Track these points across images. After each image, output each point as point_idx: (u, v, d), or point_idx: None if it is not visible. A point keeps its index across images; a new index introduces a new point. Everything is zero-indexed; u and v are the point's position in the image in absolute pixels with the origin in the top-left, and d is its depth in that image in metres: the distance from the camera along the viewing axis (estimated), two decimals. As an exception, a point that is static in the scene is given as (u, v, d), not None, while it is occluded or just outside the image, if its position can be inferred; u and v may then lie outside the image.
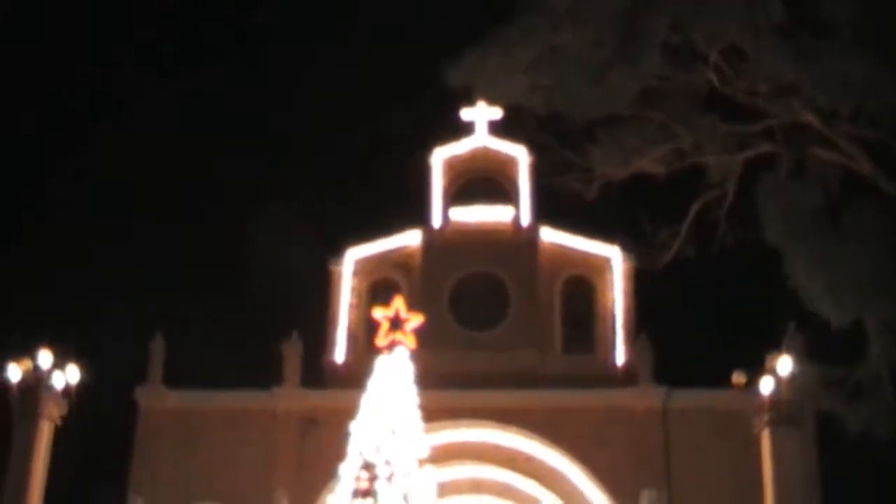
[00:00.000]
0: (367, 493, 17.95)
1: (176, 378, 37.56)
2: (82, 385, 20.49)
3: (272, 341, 38.19)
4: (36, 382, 19.82)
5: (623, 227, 34.97)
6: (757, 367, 20.39)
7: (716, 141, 16.54)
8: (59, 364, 20.04)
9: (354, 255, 41.09)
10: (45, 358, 19.89)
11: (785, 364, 19.49)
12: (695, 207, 17.38)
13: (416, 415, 18.73)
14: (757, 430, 20.21)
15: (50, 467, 20.31)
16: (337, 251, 41.11)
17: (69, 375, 20.14)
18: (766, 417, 19.66)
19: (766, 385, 19.58)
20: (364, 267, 41.07)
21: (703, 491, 33.84)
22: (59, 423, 20.33)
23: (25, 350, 20.11)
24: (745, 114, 16.59)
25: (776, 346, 21.15)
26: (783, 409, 19.40)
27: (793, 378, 19.47)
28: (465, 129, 42.02)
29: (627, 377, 37.00)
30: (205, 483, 35.70)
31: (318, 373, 38.59)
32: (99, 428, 36.32)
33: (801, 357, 19.95)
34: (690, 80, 16.46)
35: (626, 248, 39.26)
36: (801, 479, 21.34)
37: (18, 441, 19.88)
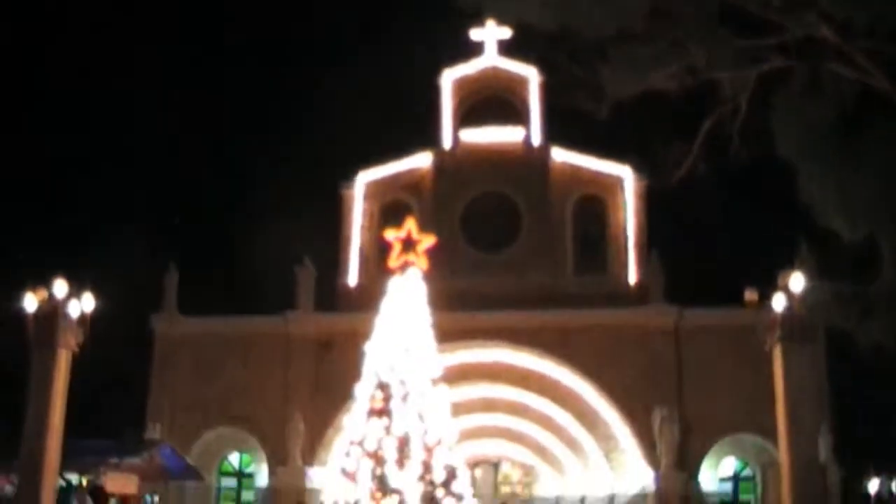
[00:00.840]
0: (382, 412, 18.08)
1: (191, 305, 37.85)
2: (98, 314, 20.60)
3: (286, 266, 38.38)
4: (52, 311, 19.91)
5: (635, 145, 34.85)
6: (769, 285, 20.34)
7: (728, 56, 16.29)
8: (74, 293, 20.14)
9: (365, 179, 41.04)
10: (60, 287, 19.97)
11: (797, 281, 19.43)
12: (707, 124, 17.20)
13: (430, 335, 18.80)
14: (768, 346, 20.22)
15: (69, 396, 20.52)
16: (348, 175, 41.06)
17: (85, 304, 20.24)
18: (777, 334, 19.65)
19: (779, 302, 19.55)
20: (375, 190, 41.04)
21: (715, 407, 34.14)
22: (76, 351, 20.47)
23: (41, 280, 20.20)
24: (758, 28, 16.30)
25: (788, 264, 21.11)
26: (795, 326, 19.38)
27: (805, 295, 19.43)
28: (475, 49, 41.61)
29: (639, 296, 37.09)
30: (221, 408, 36.19)
31: (331, 296, 38.82)
32: (116, 356, 36.70)
33: (814, 274, 19.91)
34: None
35: (637, 167, 39.13)
36: (812, 394, 21.45)
37: (37, 370, 20.04)
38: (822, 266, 20.11)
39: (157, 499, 31.47)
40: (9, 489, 23.69)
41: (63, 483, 23.77)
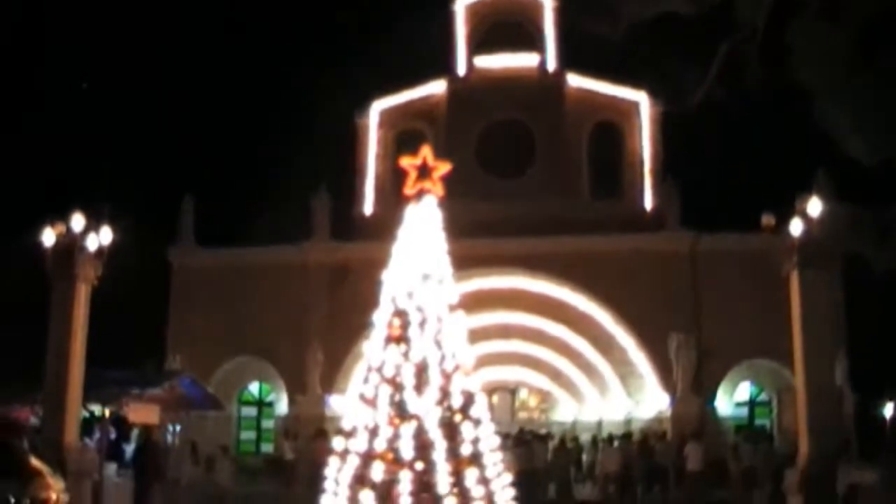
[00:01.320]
0: (399, 339, 18.17)
1: (208, 237, 38.01)
2: (116, 247, 20.70)
3: (301, 196, 38.42)
4: (70, 245, 20.02)
5: (650, 70, 34.43)
6: (786, 210, 20.22)
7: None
8: (92, 227, 20.22)
9: (380, 107, 40.89)
10: (77, 221, 20.05)
11: (815, 205, 19.32)
12: (724, 47, 16.98)
13: (446, 262, 18.82)
14: (785, 271, 20.17)
15: (89, 328, 20.70)
16: (362, 104, 40.89)
17: (102, 237, 20.33)
18: (794, 259, 19.59)
19: (796, 227, 19.46)
20: (390, 118, 40.91)
21: (731, 333, 34.23)
22: (95, 283, 20.62)
23: (58, 215, 20.29)
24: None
25: (806, 189, 20.97)
26: (812, 251, 19.32)
27: (822, 219, 19.32)
28: (489, -26, 41.08)
29: (656, 221, 37.03)
30: (240, 338, 36.50)
31: (347, 225, 38.89)
32: (135, 289, 36.97)
33: (831, 198, 19.80)
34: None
35: (653, 92, 38.80)
36: (828, 320, 21.46)
37: (57, 304, 20.22)
38: (840, 191, 20.00)
39: (178, 428, 31.88)
40: (33, 421, 24.04)
41: (86, 414, 24.09)
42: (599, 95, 39.86)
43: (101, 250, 20.46)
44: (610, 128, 39.92)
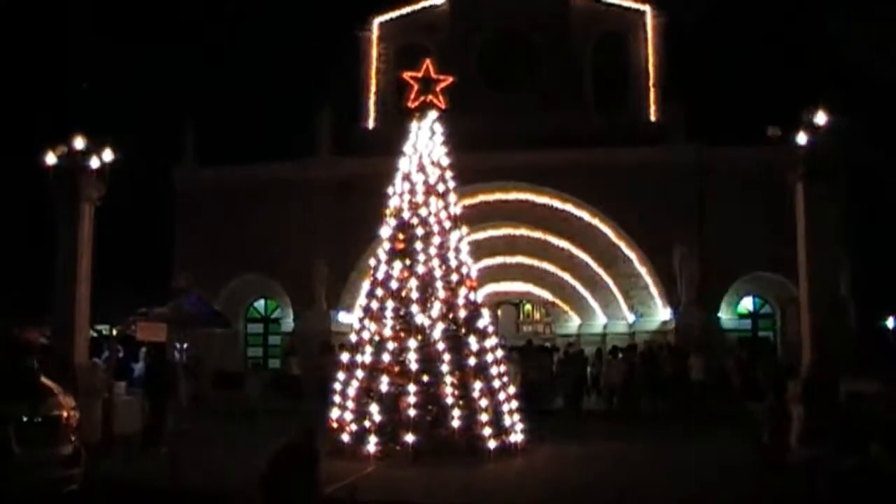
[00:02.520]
0: (404, 252, 18.24)
1: (211, 155, 37.87)
2: (119, 167, 20.64)
3: (303, 112, 38.18)
4: (72, 165, 19.96)
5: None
6: (792, 121, 20.03)
7: None
8: (93, 148, 20.14)
9: (381, 20, 40.43)
10: (79, 142, 19.97)
11: (820, 117, 19.13)
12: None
13: (450, 176, 18.78)
14: (791, 183, 20.05)
15: (96, 250, 20.76)
16: (363, 17, 40.42)
17: (104, 157, 20.26)
18: (800, 171, 19.45)
19: (801, 138, 19.29)
20: (391, 31, 40.47)
21: (735, 246, 34.18)
22: (98, 204, 20.60)
23: (60, 137, 20.20)
24: None
25: (812, 100, 20.75)
26: (818, 163, 19.17)
27: (828, 130, 19.15)
28: None
29: (660, 134, 36.78)
30: (246, 255, 36.52)
31: (350, 140, 38.70)
32: (140, 210, 37.01)
33: (837, 111, 19.59)
34: None
35: (658, 2, 38.34)
36: (833, 232, 21.38)
37: (62, 225, 20.24)
38: (846, 103, 19.80)
39: (186, 346, 32.09)
40: (43, 341, 24.23)
41: (94, 334, 24.27)
42: (603, 6, 39.32)
43: (103, 170, 20.41)
44: (614, 39, 39.47)
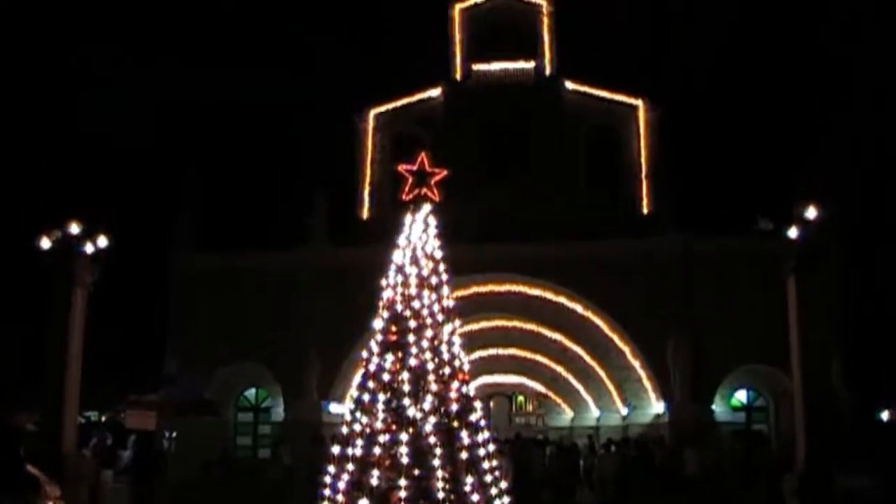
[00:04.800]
0: (396, 345, 18.15)
1: (206, 239, 37.94)
2: (114, 252, 20.71)
3: (299, 200, 38.39)
4: (66, 251, 20.03)
5: (647, 75, 34.56)
6: (783, 213, 20.22)
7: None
8: (88, 233, 20.24)
9: (377, 111, 40.93)
10: (74, 227, 20.07)
11: (811, 209, 19.34)
12: (716, 44, 17.04)
13: (444, 267, 18.80)
14: (783, 275, 20.17)
15: (87, 334, 20.70)
16: (360, 108, 40.94)
17: (99, 243, 20.34)
18: (791, 263, 19.61)
19: (793, 231, 19.47)
20: (387, 122, 40.96)
21: (728, 337, 34.16)
22: (91, 289, 20.61)
23: (55, 222, 20.31)
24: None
25: (803, 192, 20.96)
26: (809, 255, 19.33)
27: (819, 222, 19.34)
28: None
29: (652, 225, 36.98)
30: (238, 342, 36.37)
31: (345, 229, 38.84)
32: (134, 294, 36.97)
33: (827, 201, 19.79)
34: None
35: (650, 97, 38.93)
36: (825, 324, 21.45)
37: (54, 310, 20.22)
38: (835, 194, 20.02)
39: (174, 434, 31.88)
40: (30, 427, 24.02)
41: (83, 420, 24.09)
42: (595, 100, 39.90)
43: (97, 255, 20.46)
44: (606, 132, 39.97)
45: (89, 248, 20.29)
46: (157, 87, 48.84)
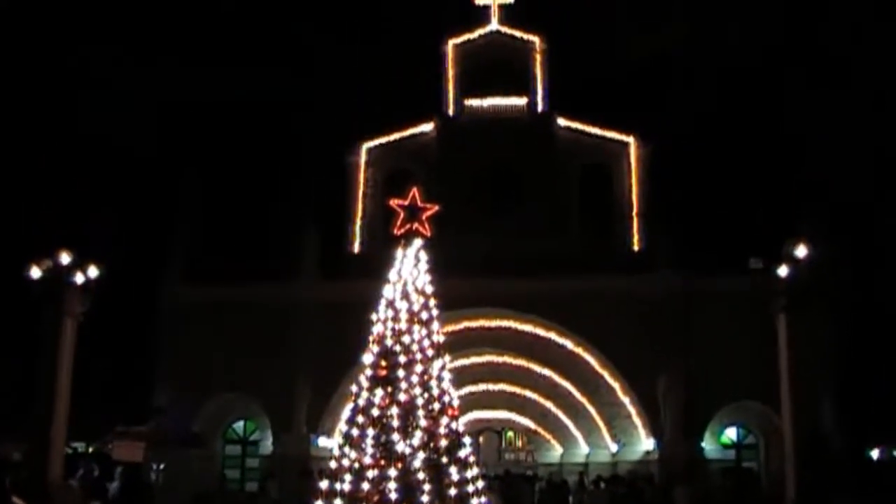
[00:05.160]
0: (386, 379, 18.10)
1: (196, 271, 37.87)
2: (104, 283, 20.67)
3: (290, 233, 38.39)
4: (56, 280, 19.99)
5: (640, 113, 34.80)
6: (774, 252, 20.31)
7: (734, 19, 16.20)
8: (78, 263, 20.21)
9: (369, 146, 41.04)
10: (64, 257, 20.04)
11: (802, 248, 19.44)
12: (713, 88, 17.17)
13: (434, 303, 18.80)
14: (774, 313, 20.22)
15: (76, 364, 20.60)
16: (352, 142, 41.03)
17: (89, 273, 20.31)
18: (781, 302, 19.67)
19: (783, 270, 19.55)
20: (379, 157, 41.05)
21: (719, 375, 34.15)
22: (81, 319, 20.55)
23: (46, 252, 20.27)
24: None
25: (793, 231, 21.07)
26: (799, 294, 19.41)
27: (810, 261, 19.43)
28: (479, 16, 41.50)
29: (644, 263, 37.05)
30: (227, 374, 36.24)
31: (336, 263, 38.82)
32: (123, 325, 36.83)
33: (818, 241, 19.89)
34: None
35: (642, 134, 39.12)
36: (815, 363, 21.51)
37: (43, 339, 20.15)
38: (826, 233, 20.13)
39: (162, 466, 31.70)
40: (16, 457, 23.85)
41: (70, 451, 23.94)
42: (588, 137, 40.07)
43: (88, 286, 20.42)
44: (599, 169, 40.10)
45: (80, 279, 20.25)
46: (152, 114, 48.91)
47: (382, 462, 17.53)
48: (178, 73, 48.13)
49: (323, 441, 34.89)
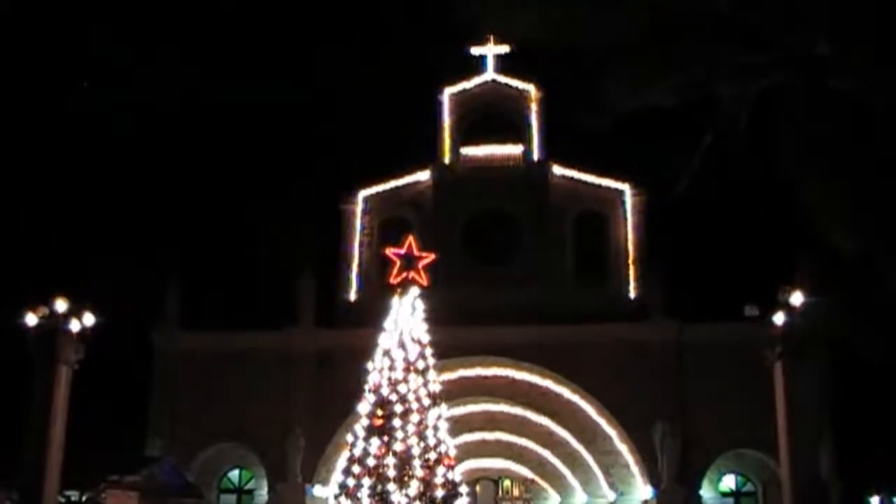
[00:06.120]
0: (382, 429, 18.03)
1: (191, 320, 37.81)
2: (99, 330, 20.60)
3: (286, 281, 38.36)
4: (52, 328, 19.92)
5: (634, 161, 34.94)
6: (769, 299, 20.32)
7: (729, 71, 16.28)
8: (74, 310, 20.15)
9: (365, 194, 41.14)
10: (60, 305, 19.99)
11: (797, 296, 19.44)
12: (707, 139, 17.21)
13: (431, 352, 18.77)
14: (770, 361, 20.18)
15: (70, 411, 20.47)
16: (348, 190, 41.14)
17: (85, 320, 20.25)
18: (778, 350, 19.63)
19: (779, 318, 19.54)
20: (375, 205, 41.12)
21: (716, 422, 34.08)
22: (76, 367, 20.45)
23: (41, 299, 20.21)
24: (758, 43, 16.30)
25: (788, 278, 21.10)
26: (796, 342, 19.38)
27: (805, 309, 19.42)
28: (475, 65, 41.80)
29: (640, 310, 37.06)
30: (222, 423, 36.09)
31: (331, 312, 38.78)
32: (117, 372, 36.64)
33: (814, 288, 19.90)
34: (703, 9, 16.16)
35: (637, 182, 39.22)
36: (813, 410, 21.44)
37: (37, 386, 20.02)
38: (823, 279, 20.09)
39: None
40: (9, 505, 23.64)
41: (62, 500, 23.71)
42: (583, 185, 40.22)
43: (83, 333, 20.34)
44: (594, 217, 40.19)
45: (75, 326, 20.18)
46: (144, 164, 49.04)
47: (378, 512, 17.41)
48: (173, 114, 48.32)
49: (318, 490, 34.62)
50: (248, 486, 38.43)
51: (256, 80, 53.57)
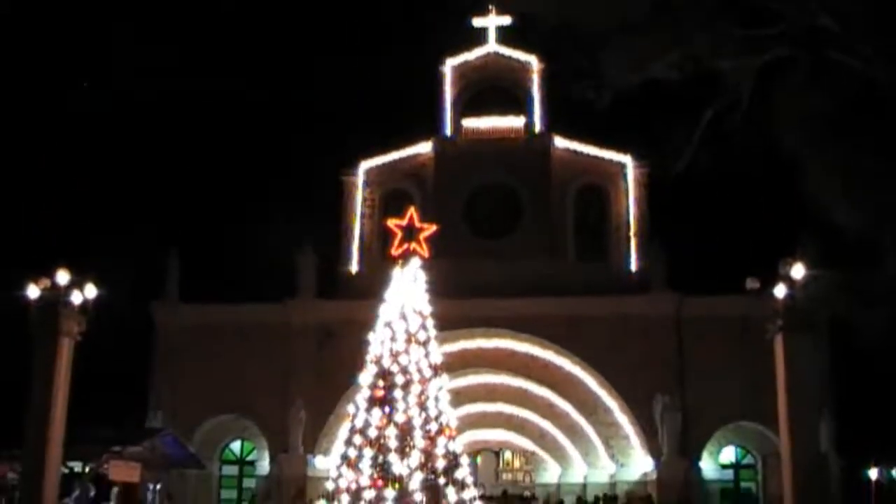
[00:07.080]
0: (383, 400, 18.08)
1: (192, 293, 37.85)
2: (101, 302, 20.62)
3: (287, 254, 38.38)
4: (54, 300, 19.94)
5: (636, 134, 34.84)
6: (770, 273, 20.30)
7: (730, 46, 16.23)
8: (76, 282, 20.17)
9: (367, 166, 41.10)
10: (62, 276, 20.01)
11: (798, 269, 19.43)
12: (709, 114, 17.17)
13: (431, 323, 18.80)
14: (770, 335, 20.20)
15: (72, 383, 20.53)
16: (349, 162, 41.09)
17: (87, 293, 20.28)
18: (779, 323, 19.64)
19: (780, 290, 19.55)
20: (377, 177, 41.10)
21: (716, 395, 34.18)
22: (78, 339, 20.49)
23: (43, 270, 20.23)
24: (760, 17, 16.23)
25: (790, 252, 21.07)
26: (796, 315, 19.38)
27: (806, 283, 19.42)
28: (477, 37, 41.66)
29: (641, 284, 37.09)
30: (223, 396, 36.23)
31: (332, 284, 38.82)
32: (119, 344, 36.73)
33: (815, 263, 19.88)
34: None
35: (638, 155, 39.16)
36: (813, 383, 21.46)
37: (39, 358, 20.06)
38: (824, 255, 20.08)
39: (159, 487, 31.57)
40: (11, 477, 23.76)
41: (66, 471, 23.83)
42: (585, 157, 40.19)
43: (85, 305, 20.38)
44: (595, 190, 40.20)
45: (77, 298, 20.21)
46: (146, 135, 48.97)
47: (380, 482, 17.50)
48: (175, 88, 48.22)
49: (320, 461, 34.79)
50: (250, 458, 38.62)
51: (256, 52, 53.50)
